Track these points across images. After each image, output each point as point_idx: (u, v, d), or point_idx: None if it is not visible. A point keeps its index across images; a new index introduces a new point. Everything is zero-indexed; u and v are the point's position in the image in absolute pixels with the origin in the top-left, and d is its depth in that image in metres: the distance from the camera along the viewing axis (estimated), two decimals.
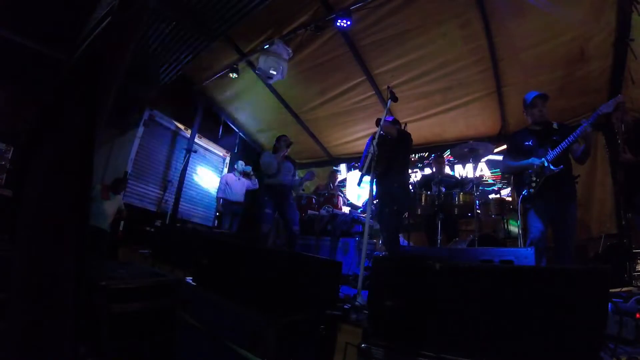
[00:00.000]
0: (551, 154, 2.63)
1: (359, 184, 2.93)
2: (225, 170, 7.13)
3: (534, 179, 2.71)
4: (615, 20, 3.41)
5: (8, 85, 4.20)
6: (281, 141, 4.34)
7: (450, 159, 5.47)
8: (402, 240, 4.32)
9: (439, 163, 4.58)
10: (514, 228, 3.88)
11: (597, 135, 4.49)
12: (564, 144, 2.58)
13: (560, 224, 2.64)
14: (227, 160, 7.28)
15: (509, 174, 3.58)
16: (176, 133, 6.37)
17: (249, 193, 5.93)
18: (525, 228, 2.92)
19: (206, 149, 6.93)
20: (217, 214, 6.35)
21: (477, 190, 3.81)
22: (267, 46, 4.48)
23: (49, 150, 1.04)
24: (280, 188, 4.19)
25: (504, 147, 4.04)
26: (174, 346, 1.80)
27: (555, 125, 2.77)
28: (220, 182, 6.03)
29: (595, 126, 2.57)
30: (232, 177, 5.95)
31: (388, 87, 3.00)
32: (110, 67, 1.13)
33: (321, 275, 1.78)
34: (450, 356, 1.10)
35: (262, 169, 4.27)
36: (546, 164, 2.63)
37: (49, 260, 1.00)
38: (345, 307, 1.75)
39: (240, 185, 5.86)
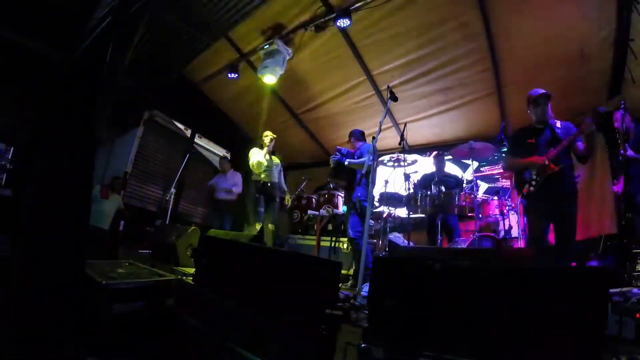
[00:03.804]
0: (552, 153, 2.63)
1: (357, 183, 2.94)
2: None
3: (535, 177, 2.71)
4: (616, 20, 3.41)
5: (8, 85, 4.20)
6: (265, 138, 4.45)
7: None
8: (402, 241, 4.33)
9: (439, 162, 4.58)
10: None
11: (597, 135, 4.49)
12: (565, 143, 2.59)
13: (560, 223, 2.64)
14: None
15: (510, 171, 3.59)
16: (176, 133, 6.36)
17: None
18: (525, 227, 2.93)
19: (206, 149, 6.92)
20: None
21: (477, 190, 3.81)
22: (267, 46, 4.48)
23: (49, 150, 1.04)
24: (271, 185, 4.35)
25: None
26: (174, 346, 1.80)
27: (558, 124, 2.77)
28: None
29: (596, 125, 2.57)
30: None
31: (388, 87, 3.01)
32: (110, 66, 1.13)
33: (321, 276, 1.78)
34: (450, 356, 1.10)
35: (253, 167, 4.37)
36: (547, 163, 2.63)
37: (49, 260, 1.00)
38: (346, 307, 1.75)
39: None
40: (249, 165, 4.46)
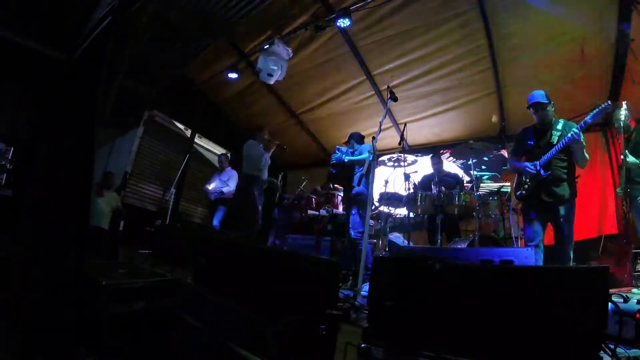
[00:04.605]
0: (543, 159, 2.67)
1: (356, 183, 2.95)
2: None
3: (527, 181, 2.75)
4: (616, 20, 3.41)
5: (8, 85, 4.19)
6: (265, 133, 4.50)
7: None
8: (402, 241, 4.33)
9: (436, 162, 4.57)
10: None
11: (597, 136, 4.50)
12: (553, 151, 2.64)
13: (556, 224, 2.68)
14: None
15: (512, 172, 3.64)
16: (176, 133, 6.35)
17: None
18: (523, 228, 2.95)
19: (206, 149, 6.92)
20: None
21: (477, 190, 3.81)
22: (267, 46, 4.48)
23: (49, 149, 1.04)
24: (263, 183, 4.40)
25: None
26: (174, 346, 1.80)
27: (559, 125, 2.77)
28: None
29: (591, 128, 2.60)
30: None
31: (388, 87, 3.02)
32: (110, 66, 1.13)
33: (321, 275, 1.78)
34: (450, 356, 1.10)
35: (254, 160, 4.31)
36: (538, 168, 2.66)
37: (49, 260, 1.00)
38: (345, 307, 1.76)
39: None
40: (245, 158, 4.42)
